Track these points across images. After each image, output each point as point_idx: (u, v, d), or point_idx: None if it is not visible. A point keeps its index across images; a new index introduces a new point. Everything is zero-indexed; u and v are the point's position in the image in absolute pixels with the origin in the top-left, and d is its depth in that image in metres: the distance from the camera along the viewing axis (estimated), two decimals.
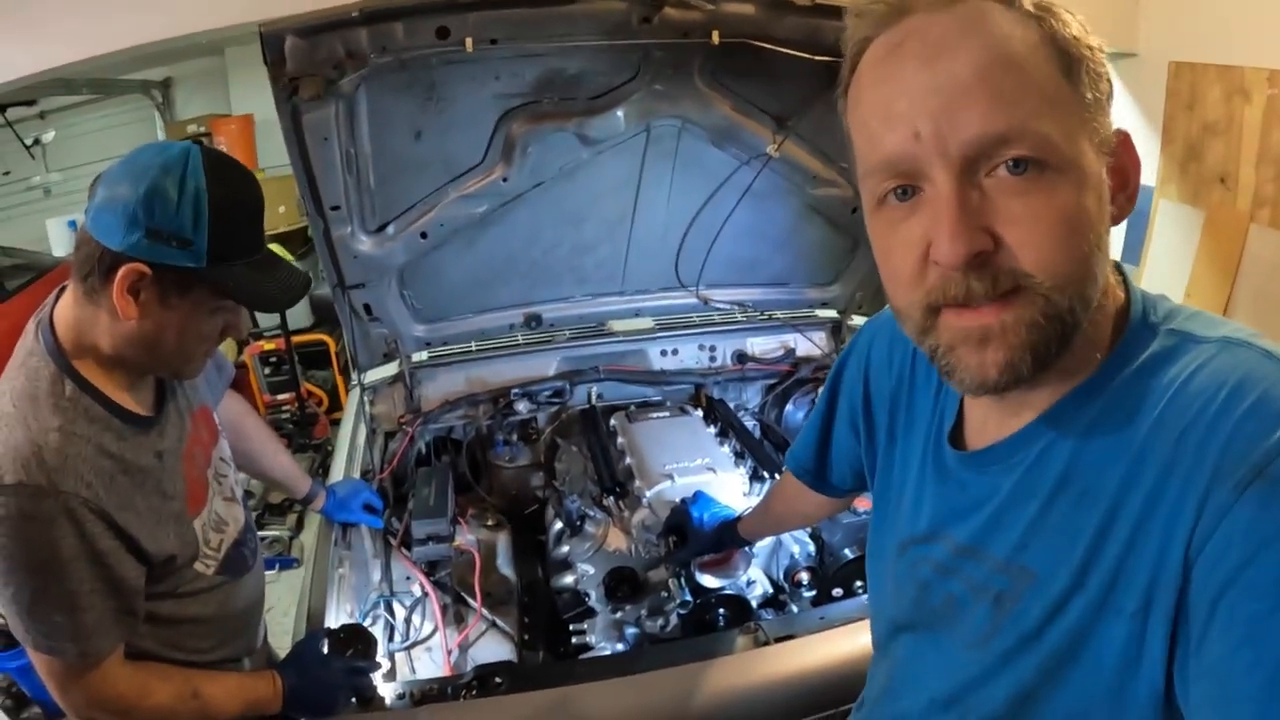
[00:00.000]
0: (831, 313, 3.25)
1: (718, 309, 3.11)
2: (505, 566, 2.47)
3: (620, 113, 2.36)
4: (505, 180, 2.43)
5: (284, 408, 5.82)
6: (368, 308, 2.69)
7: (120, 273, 1.34)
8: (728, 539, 1.99)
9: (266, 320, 5.92)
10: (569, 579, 2.35)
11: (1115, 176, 0.83)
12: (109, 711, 1.50)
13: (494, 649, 2.15)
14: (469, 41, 2.02)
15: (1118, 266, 0.90)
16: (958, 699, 1.00)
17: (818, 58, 2.14)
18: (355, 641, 1.83)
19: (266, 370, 5.86)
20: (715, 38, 2.14)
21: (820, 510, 1.73)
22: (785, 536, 2.26)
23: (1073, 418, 0.87)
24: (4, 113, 7.29)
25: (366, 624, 2.01)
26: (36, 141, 7.65)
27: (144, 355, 1.44)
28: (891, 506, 1.16)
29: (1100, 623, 0.83)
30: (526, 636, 2.24)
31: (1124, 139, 0.83)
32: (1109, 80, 0.82)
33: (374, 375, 2.92)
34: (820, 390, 1.41)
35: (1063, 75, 0.78)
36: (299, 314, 6.06)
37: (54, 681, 1.45)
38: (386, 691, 1.77)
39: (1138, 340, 0.85)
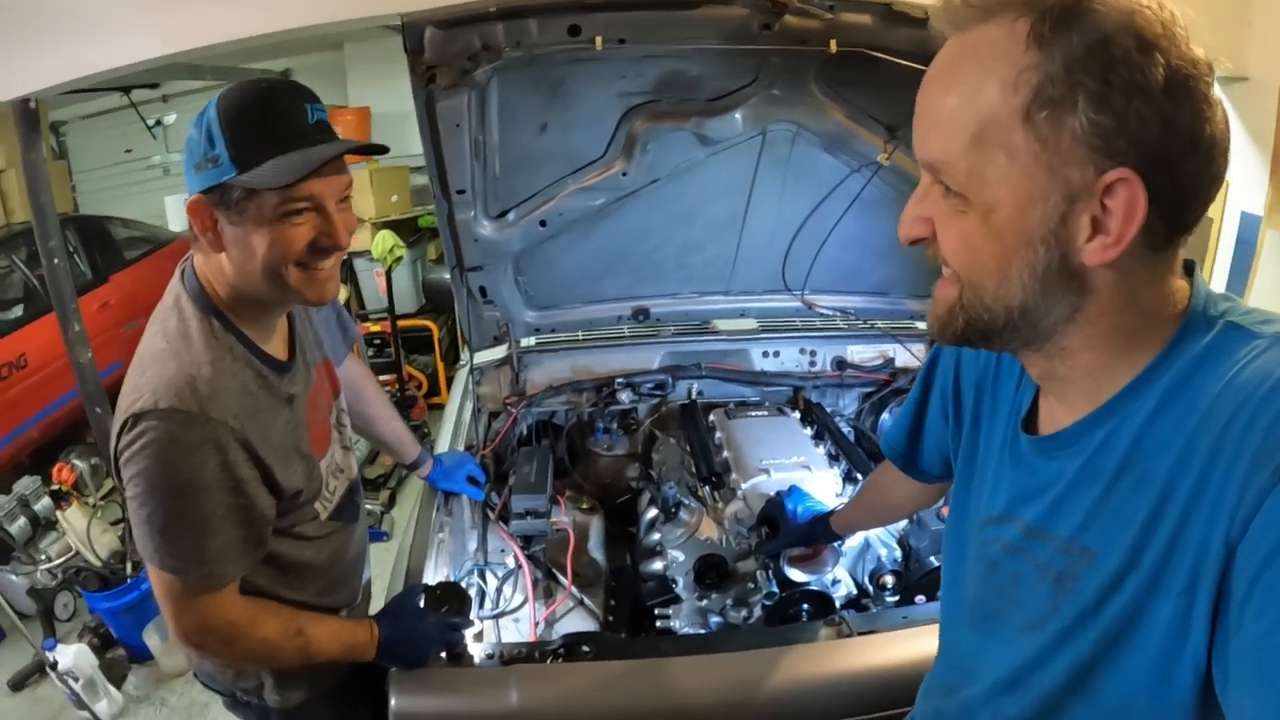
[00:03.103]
0: None
1: (820, 314, 3.13)
2: (595, 550, 2.54)
3: (738, 115, 2.41)
4: (624, 175, 2.50)
5: (385, 389, 5.97)
6: (483, 290, 2.79)
7: (188, 211, 1.45)
8: (819, 533, 2.03)
9: (374, 303, 6.09)
10: (658, 565, 2.40)
11: (1093, 223, 0.83)
12: (218, 637, 1.58)
13: (578, 626, 2.21)
14: (598, 40, 2.09)
15: (1186, 265, 0.94)
16: (1018, 680, 1.05)
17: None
18: (451, 599, 1.89)
19: (370, 352, 6.03)
20: (832, 46, 2.17)
21: (912, 502, 1.77)
22: (873, 539, 2.29)
23: (1132, 406, 0.91)
24: (129, 94, 7.63)
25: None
26: (158, 123, 8.00)
27: (255, 284, 1.49)
28: (974, 488, 1.22)
29: (1152, 600, 0.88)
30: (611, 618, 2.30)
31: (1108, 186, 0.81)
32: (1092, 123, 0.80)
33: (483, 357, 3.02)
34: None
35: (1021, 117, 0.82)
36: (406, 298, 6.22)
37: (171, 602, 1.52)
38: (476, 651, 1.84)
39: (1194, 331, 0.89)
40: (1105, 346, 0.92)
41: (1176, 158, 0.80)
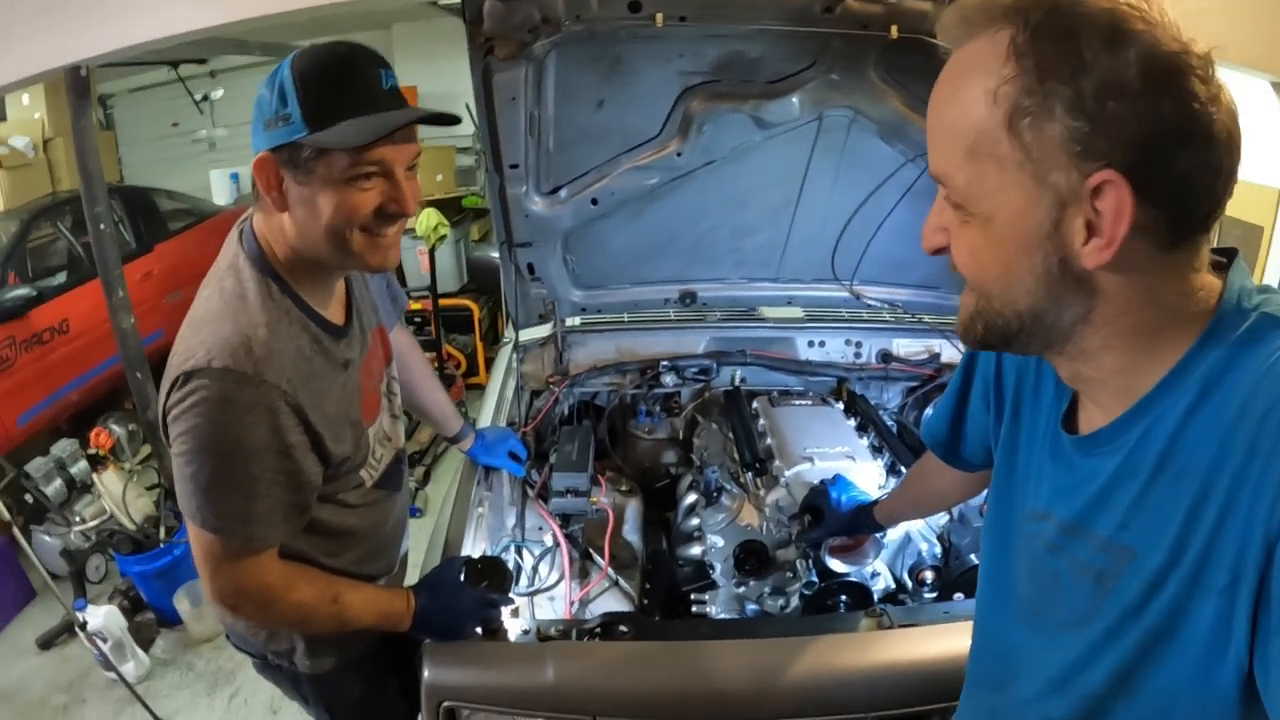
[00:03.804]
0: None
1: (868, 306, 3.10)
2: (631, 533, 2.53)
3: (795, 99, 2.37)
4: (679, 155, 2.47)
5: None
6: (531, 267, 2.78)
7: (254, 168, 1.44)
8: (862, 523, 2.02)
9: (415, 281, 6.12)
10: (695, 550, 2.39)
11: (1087, 226, 0.84)
12: (253, 600, 1.59)
13: (613, 608, 2.20)
14: (659, 17, 2.07)
15: (1225, 255, 0.93)
16: (1067, 681, 1.05)
17: None
18: (492, 574, 1.87)
19: (411, 329, 6.06)
20: (894, 32, 2.14)
21: (957, 490, 1.75)
22: (914, 533, 2.27)
23: (1167, 402, 0.90)
24: (177, 68, 7.73)
25: None
26: (206, 98, 8.12)
27: (316, 246, 1.49)
28: (1016, 480, 1.21)
29: (1194, 599, 0.86)
30: (646, 601, 2.28)
31: (1096, 189, 0.82)
32: (1070, 129, 0.81)
33: (528, 334, 3.03)
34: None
35: (1005, 128, 0.84)
36: (448, 277, 6.25)
37: (209, 562, 1.52)
38: (513, 627, 1.83)
39: (1228, 325, 0.88)
40: (1127, 346, 0.92)
41: (1165, 152, 0.80)
